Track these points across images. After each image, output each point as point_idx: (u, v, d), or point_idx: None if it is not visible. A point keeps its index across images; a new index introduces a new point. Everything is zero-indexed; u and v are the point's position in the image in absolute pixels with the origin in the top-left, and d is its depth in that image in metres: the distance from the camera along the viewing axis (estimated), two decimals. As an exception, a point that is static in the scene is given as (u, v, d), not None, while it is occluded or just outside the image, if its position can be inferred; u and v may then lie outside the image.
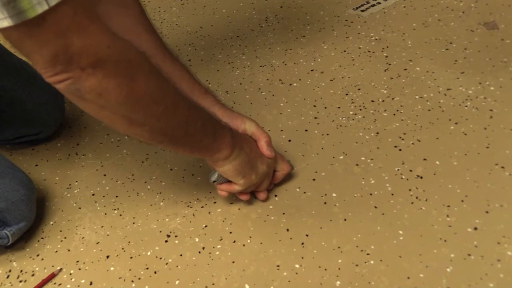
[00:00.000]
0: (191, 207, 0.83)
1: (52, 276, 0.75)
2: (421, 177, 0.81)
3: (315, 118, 0.95)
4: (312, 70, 1.06)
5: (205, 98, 0.79)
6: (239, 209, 0.81)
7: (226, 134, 0.71)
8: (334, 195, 0.81)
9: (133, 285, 0.73)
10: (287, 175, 0.82)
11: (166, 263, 0.75)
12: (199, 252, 0.76)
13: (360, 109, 0.95)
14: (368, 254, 0.72)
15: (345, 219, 0.77)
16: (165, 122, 0.64)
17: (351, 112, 0.94)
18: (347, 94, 0.98)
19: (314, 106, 0.97)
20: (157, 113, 0.62)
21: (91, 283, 0.74)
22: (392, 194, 0.79)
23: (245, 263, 0.74)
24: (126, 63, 0.56)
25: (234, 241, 0.77)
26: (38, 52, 0.50)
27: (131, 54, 0.57)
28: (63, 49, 0.50)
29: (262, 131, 0.79)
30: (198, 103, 0.71)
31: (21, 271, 0.77)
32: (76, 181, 0.90)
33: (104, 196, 0.87)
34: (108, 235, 0.80)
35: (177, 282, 0.73)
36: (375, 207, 0.78)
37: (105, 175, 0.90)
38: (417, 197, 0.78)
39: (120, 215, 0.83)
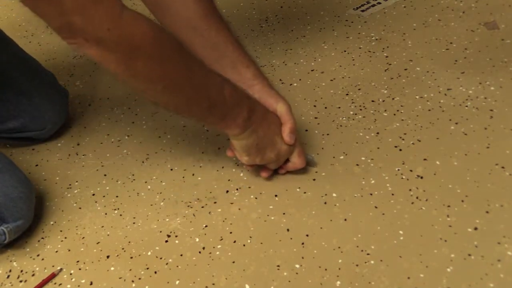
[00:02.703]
0: (191, 207, 0.83)
1: (52, 276, 0.75)
2: (422, 177, 0.81)
3: (315, 118, 0.95)
4: (312, 70, 1.06)
5: (247, 72, 0.81)
6: (239, 209, 0.81)
7: (238, 116, 0.73)
8: (334, 195, 0.81)
9: (133, 285, 0.73)
10: (298, 169, 0.83)
11: (166, 263, 0.75)
12: (199, 252, 0.76)
13: (360, 109, 0.95)
14: (368, 254, 0.72)
15: (345, 219, 0.77)
16: (165, 97, 0.70)
17: (351, 112, 0.94)
18: (347, 94, 0.98)
19: (314, 106, 0.97)
20: (155, 89, 0.68)
21: (91, 283, 0.74)
22: (392, 194, 0.79)
23: (245, 263, 0.74)
24: (126, 45, 0.61)
25: (235, 241, 0.77)
26: (48, 23, 0.59)
27: (134, 38, 0.62)
28: (66, 25, 0.58)
29: (290, 117, 0.80)
30: (217, 82, 0.72)
31: (22, 271, 0.77)
32: (76, 181, 0.90)
33: (104, 196, 0.87)
34: (108, 235, 0.80)
35: (177, 282, 0.73)
36: (375, 207, 0.78)
37: (105, 175, 0.90)
38: (417, 197, 0.78)
39: (120, 215, 0.83)
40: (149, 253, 0.77)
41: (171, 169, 0.89)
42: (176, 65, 0.67)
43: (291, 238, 0.76)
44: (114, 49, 0.61)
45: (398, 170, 0.83)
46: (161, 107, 0.73)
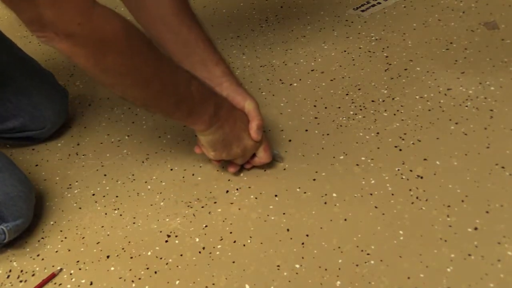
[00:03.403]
0: (191, 207, 0.83)
1: (52, 276, 0.75)
2: (421, 177, 0.81)
3: (316, 118, 0.95)
4: (312, 70, 1.06)
5: (216, 70, 0.82)
6: (239, 209, 0.81)
7: (205, 112, 0.75)
8: (334, 195, 0.81)
9: (133, 285, 0.73)
10: (264, 163, 0.85)
11: (166, 263, 0.75)
12: (200, 252, 0.76)
13: (361, 109, 0.95)
14: (368, 254, 0.72)
15: (345, 219, 0.77)
16: (134, 91, 0.71)
17: (351, 112, 0.94)
18: (347, 94, 0.98)
19: (315, 106, 0.97)
20: (124, 84, 0.69)
21: (91, 283, 0.74)
22: (393, 194, 0.79)
23: (245, 263, 0.74)
24: (96, 39, 0.61)
25: (235, 241, 0.77)
26: (18, 15, 0.59)
27: (105, 33, 0.62)
28: (36, 18, 0.58)
29: (257, 114, 0.81)
30: (184, 78, 0.73)
31: (22, 271, 0.77)
32: (77, 181, 0.90)
33: (104, 196, 0.87)
34: (108, 235, 0.80)
35: (177, 282, 0.73)
36: (376, 207, 0.78)
37: (105, 175, 0.90)
38: (417, 197, 0.78)
39: (121, 215, 0.83)
40: (149, 253, 0.77)
41: (171, 169, 0.89)
42: (145, 60, 0.68)
43: (291, 238, 0.76)
44: (84, 44, 0.61)
45: (398, 170, 0.83)
46: (129, 102, 0.74)
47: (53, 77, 1.01)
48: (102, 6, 0.62)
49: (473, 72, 0.99)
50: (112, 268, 0.76)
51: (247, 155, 0.83)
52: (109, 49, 0.63)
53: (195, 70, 0.81)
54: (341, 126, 0.92)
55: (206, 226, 0.79)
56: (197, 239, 0.78)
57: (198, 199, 0.84)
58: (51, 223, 0.83)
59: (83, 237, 0.81)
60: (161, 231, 0.80)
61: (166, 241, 0.78)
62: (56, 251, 0.79)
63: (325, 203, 0.80)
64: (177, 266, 0.75)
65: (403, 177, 0.82)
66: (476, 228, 0.73)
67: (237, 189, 0.84)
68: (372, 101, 0.96)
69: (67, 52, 0.62)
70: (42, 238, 0.81)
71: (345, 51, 1.09)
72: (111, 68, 0.66)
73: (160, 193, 0.86)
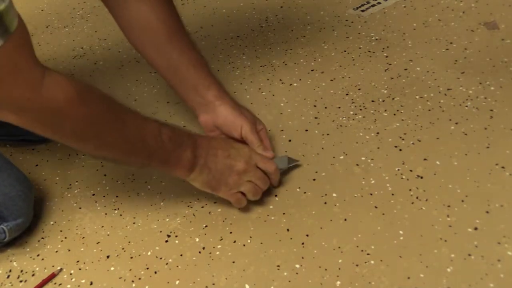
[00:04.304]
0: (191, 207, 0.83)
1: (53, 276, 0.75)
2: (422, 177, 0.81)
3: (316, 118, 0.95)
4: (312, 70, 1.06)
5: (207, 94, 0.82)
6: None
7: (182, 158, 0.73)
8: (334, 195, 0.81)
9: (133, 285, 0.73)
10: (272, 173, 0.79)
11: (166, 263, 0.75)
12: (199, 252, 0.76)
13: (360, 109, 0.95)
14: (368, 254, 0.72)
15: (345, 219, 0.77)
16: (101, 153, 0.70)
17: (351, 112, 0.94)
18: (347, 94, 0.98)
19: (315, 106, 0.97)
20: (87, 148, 0.69)
21: (91, 283, 0.74)
22: (393, 194, 0.79)
23: (245, 263, 0.74)
24: (48, 112, 0.60)
25: (235, 241, 0.77)
26: None
27: (58, 104, 0.60)
28: None
29: (253, 139, 0.80)
30: (153, 130, 0.71)
31: (22, 271, 0.77)
32: (77, 181, 0.90)
33: (104, 196, 0.87)
34: (108, 235, 0.80)
35: (177, 282, 0.73)
36: (376, 207, 0.78)
37: (105, 175, 0.90)
38: (417, 197, 0.78)
39: (121, 215, 0.83)
40: (149, 253, 0.77)
41: (171, 169, 0.89)
42: (106, 124, 0.67)
43: (291, 238, 0.76)
44: (37, 117, 0.61)
45: (398, 170, 0.83)
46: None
47: None
48: (54, 73, 0.61)
49: (473, 72, 0.99)
50: (112, 268, 0.76)
51: (251, 174, 0.76)
52: (65, 118, 0.62)
53: (188, 96, 0.82)
54: (341, 126, 0.92)
55: (206, 226, 0.79)
56: (197, 239, 0.78)
57: (198, 199, 0.84)
58: (51, 223, 0.83)
59: (83, 237, 0.81)
60: (161, 231, 0.80)
61: (166, 241, 0.78)
62: (56, 251, 0.79)
63: (325, 203, 0.80)
64: (177, 266, 0.75)
65: (403, 177, 0.82)
66: (476, 228, 0.73)
67: (237, 189, 0.84)
68: (372, 101, 0.96)
69: (21, 125, 0.61)
70: (42, 238, 0.81)
71: (345, 51, 1.09)
72: (70, 135, 0.65)
73: (160, 193, 0.86)
